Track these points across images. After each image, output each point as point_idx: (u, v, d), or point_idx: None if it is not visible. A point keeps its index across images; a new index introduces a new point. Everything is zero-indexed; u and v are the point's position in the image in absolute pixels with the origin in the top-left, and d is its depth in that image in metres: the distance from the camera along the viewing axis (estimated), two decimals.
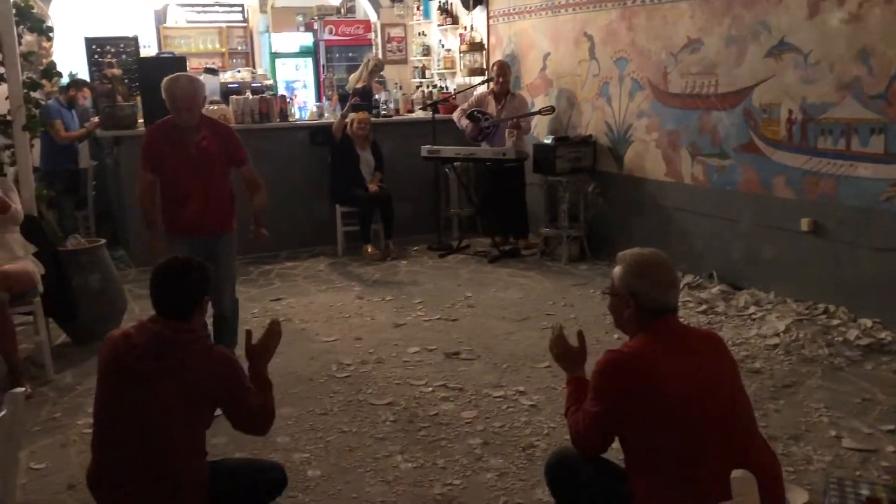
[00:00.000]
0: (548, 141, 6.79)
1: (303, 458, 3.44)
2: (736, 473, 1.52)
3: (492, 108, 7.16)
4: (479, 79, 8.08)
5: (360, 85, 8.01)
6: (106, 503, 2.45)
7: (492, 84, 7.27)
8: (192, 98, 3.96)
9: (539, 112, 7.02)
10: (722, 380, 2.16)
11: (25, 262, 4.36)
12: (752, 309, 5.15)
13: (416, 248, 7.27)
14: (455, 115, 7.37)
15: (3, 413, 2.03)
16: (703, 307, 5.25)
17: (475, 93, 7.50)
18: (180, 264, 2.54)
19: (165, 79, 4.01)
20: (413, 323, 5.25)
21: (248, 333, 2.78)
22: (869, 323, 4.68)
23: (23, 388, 2.10)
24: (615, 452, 2.31)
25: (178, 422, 2.39)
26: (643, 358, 2.14)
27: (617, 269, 2.30)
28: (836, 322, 4.78)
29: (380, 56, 9.40)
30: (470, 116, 7.17)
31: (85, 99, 7.49)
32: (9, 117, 4.81)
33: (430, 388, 4.15)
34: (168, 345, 2.42)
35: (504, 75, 7.12)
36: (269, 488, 2.69)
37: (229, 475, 2.59)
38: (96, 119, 7.20)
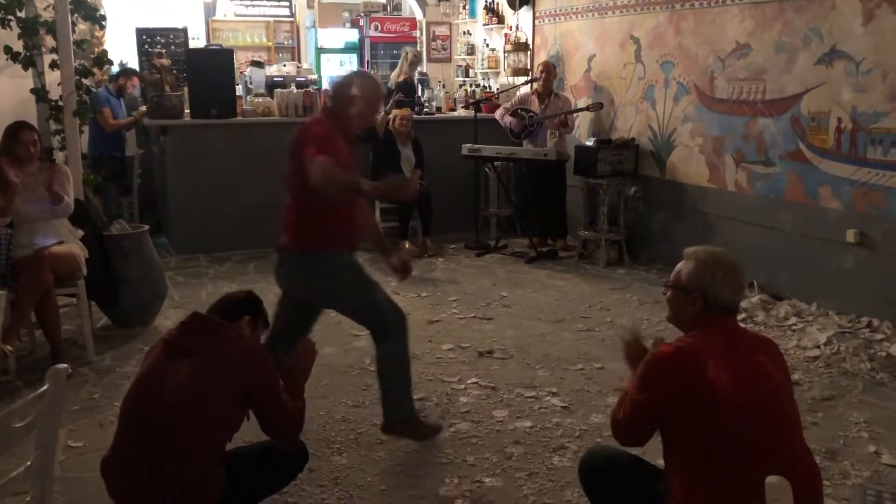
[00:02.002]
0: (589, 143, 6.74)
1: (333, 449, 3.46)
2: (771, 479, 1.49)
3: (535, 107, 7.13)
4: (522, 79, 8.05)
5: (401, 78, 8.05)
6: (115, 485, 2.40)
7: (535, 84, 7.24)
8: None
9: (587, 108, 6.96)
10: (772, 385, 2.13)
11: (71, 245, 4.45)
12: (793, 320, 5.06)
13: (453, 246, 7.27)
14: (497, 114, 7.36)
15: (44, 387, 2.08)
16: (742, 316, 5.17)
17: (518, 92, 7.48)
18: (247, 293, 2.72)
19: (359, 75, 3.63)
20: (448, 320, 5.25)
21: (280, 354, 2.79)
22: None
23: (65, 365, 2.14)
24: (649, 450, 2.29)
25: (207, 405, 2.34)
26: (696, 353, 2.12)
27: (687, 265, 2.26)
28: (879, 336, 4.67)
29: (421, 52, 9.43)
30: (514, 114, 7.16)
31: (133, 88, 7.63)
32: (60, 103, 4.92)
33: (463, 386, 4.15)
34: (210, 328, 2.46)
35: (548, 74, 7.09)
36: (289, 464, 2.70)
37: (248, 458, 2.58)
38: (144, 108, 7.33)
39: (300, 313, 3.56)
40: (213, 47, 9.35)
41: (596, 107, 6.91)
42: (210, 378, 2.36)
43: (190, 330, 2.47)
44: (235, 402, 2.41)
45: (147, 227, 5.29)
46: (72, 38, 4.95)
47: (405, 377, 3.42)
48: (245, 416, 2.50)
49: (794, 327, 4.96)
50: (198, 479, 2.32)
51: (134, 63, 8.66)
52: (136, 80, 7.64)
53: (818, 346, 4.60)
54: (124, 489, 2.37)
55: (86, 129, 5.69)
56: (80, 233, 4.60)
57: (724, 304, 2.21)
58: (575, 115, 7.13)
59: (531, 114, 7.08)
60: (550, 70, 7.14)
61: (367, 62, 11.43)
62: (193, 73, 6.96)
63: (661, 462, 2.27)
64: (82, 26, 6.10)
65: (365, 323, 3.51)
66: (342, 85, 3.41)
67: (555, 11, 7.81)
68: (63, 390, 2.14)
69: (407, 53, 8.24)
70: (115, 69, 7.51)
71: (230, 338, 2.45)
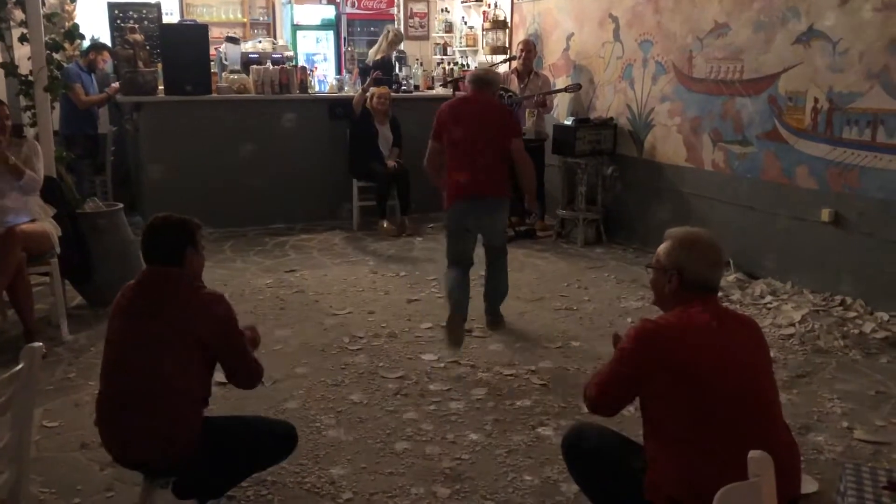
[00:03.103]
0: (568, 122, 6.73)
1: (312, 428, 3.46)
2: (754, 454, 1.50)
3: (514, 86, 7.10)
4: (500, 57, 8.01)
5: (378, 56, 7.97)
6: (107, 439, 2.56)
7: (515, 62, 7.20)
8: None
9: (566, 89, 6.94)
10: (752, 362, 2.16)
11: (44, 223, 4.38)
12: (768, 298, 5.11)
13: (431, 225, 7.25)
14: None
15: (19, 367, 2.04)
16: (719, 295, 5.19)
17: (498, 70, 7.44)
18: (159, 220, 2.70)
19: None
20: (427, 299, 5.25)
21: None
22: (885, 316, 4.64)
23: (39, 344, 2.10)
24: (628, 426, 2.31)
25: (170, 360, 2.47)
26: (677, 330, 2.14)
27: (664, 245, 2.29)
28: (852, 314, 4.74)
29: (400, 30, 9.34)
30: None
31: (105, 63, 7.48)
32: (30, 78, 4.81)
33: (442, 364, 4.16)
34: (161, 283, 2.58)
35: (528, 53, 7.06)
36: (276, 445, 2.74)
37: (237, 427, 2.68)
38: (117, 84, 7.20)
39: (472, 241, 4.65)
40: (188, 23, 9.18)
41: (574, 88, 6.90)
42: (175, 335, 2.49)
43: (146, 291, 2.58)
44: (195, 349, 2.52)
45: (121, 205, 5.22)
46: (42, 12, 4.84)
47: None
48: (211, 365, 2.61)
49: (769, 306, 5.01)
50: (175, 418, 2.47)
51: (106, 38, 8.49)
52: (106, 55, 7.49)
53: (793, 325, 4.65)
54: (111, 440, 2.54)
55: (57, 105, 5.57)
56: (53, 210, 4.52)
57: (701, 280, 2.22)
58: (553, 95, 7.10)
59: (510, 93, 7.05)
60: (531, 48, 7.11)
61: (344, 39, 11.31)
62: (167, 49, 6.84)
63: (641, 438, 2.29)
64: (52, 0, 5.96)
65: (502, 240, 4.74)
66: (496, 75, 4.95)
67: None
68: (38, 370, 2.11)
69: (388, 32, 8.16)
70: (85, 44, 7.37)
71: (185, 294, 2.56)
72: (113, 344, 2.57)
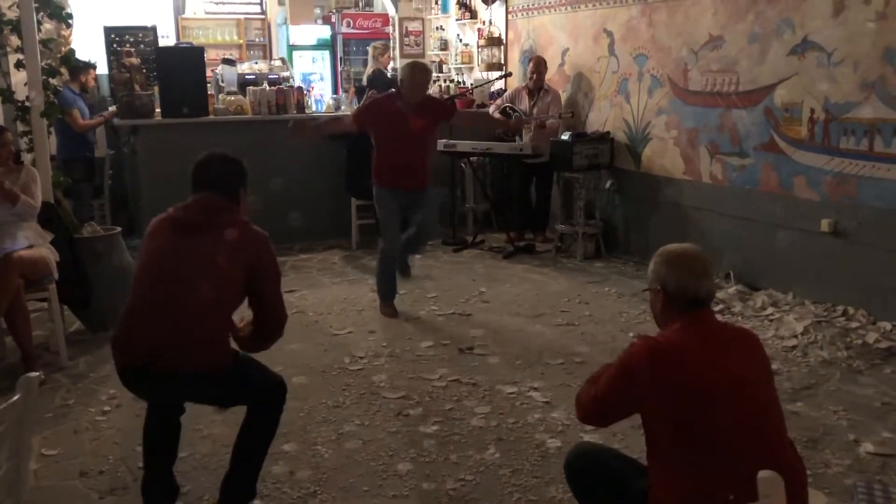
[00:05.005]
0: (565, 137, 6.74)
1: (315, 451, 3.43)
2: (763, 474, 1.48)
3: (525, 102, 7.14)
4: (496, 74, 8.04)
5: (370, 70, 8.12)
6: (134, 346, 2.61)
7: (528, 80, 7.23)
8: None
9: (559, 116, 7.02)
10: (753, 378, 2.12)
11: (41, 248, 4.36)
12: (770, 310, 5.10)
13: (430, 242, 7.23)
14: (490, 110, 7.40)
15: (16, 397, 2.02)
16: (720, 307, 5.19)
17: (510, 89, 7.55)
18: (217, 154, 2.81)
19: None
20: (426, 317, 5.22)
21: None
22: (888, 326, 4.62)
23: (37, 373, 2.08)
24: (632, 443, 2.28)
25: (208, 282, 2.55)
26: (675, 348, 2.11)
27: (651, 264, 2.27)
28: (855, 325, 4.72)
29: (393, 47, 9.47)
30: (503, 112, 7.18)
31: (94, 80, 7.50)
32: (27, 104, 4.81)
33: (444, 383, 4.13)
34: (216, 208, 2.65)
35: (539, 71, 7.09)
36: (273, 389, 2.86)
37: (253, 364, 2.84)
38: (113, 108, 7.21)
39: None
40: (184, 45, 9.22)
41: (566, 115, 6.99)
42: (222, 257, 2.58)
43: (199, 210, 2.66)
44: (240, 282, 2.63)
45: (119, 228, 5.20)
46: (38, 37, 4.84)
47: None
48: (244, 298, 2.71)
49: (771, 317, 4.99)
50: (207, 344, 2.59)
51: (102, 62, 8.52)
52: (92, 72, 7.50)
53: (795, 336, 4.63)
54: (140, 345, 2.60)
55: (53, 130, 5.57)
56: (51, 236, 4.51)
57: (688, 294, 2.16)
58: (553, 118, 7.11)
59: (517, 113, 7.10)
60: (541, 67, 7.13)
61: (340, 58, 11.36)
62: (164, 72, 6.85)
63: (644, 456, 2.26)
64: (48, 25, 5.96)
65: (432, 221, 5.25)
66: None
67: (528, 6, 7.80)
68: (35, 399, 2.08)
69: (372, 48, 8.48)
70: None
71: (237, 223, 2.67)
72: (154, 253, 2.65)
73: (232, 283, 2.62)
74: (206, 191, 2.70)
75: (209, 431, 3.55)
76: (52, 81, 5.05)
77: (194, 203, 2.70)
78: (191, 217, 2.66)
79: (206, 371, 2.60)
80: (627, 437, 3.37)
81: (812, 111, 5.04)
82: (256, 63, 9.73)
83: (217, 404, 3.00)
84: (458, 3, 8.95)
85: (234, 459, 2.84)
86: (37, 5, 4.81)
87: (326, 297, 5.67)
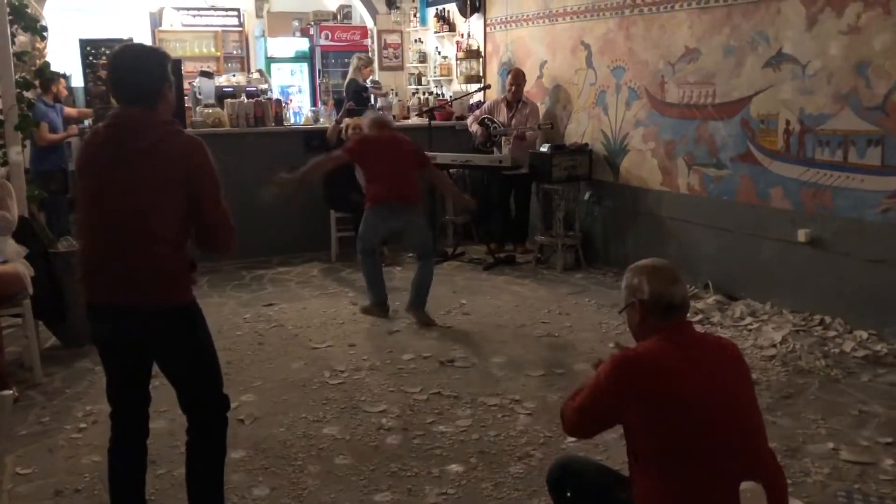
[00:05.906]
0: (544, 149, 6.76)
1: (295, 466, 3.39)
2: (746, 485, 1.48)
3: (503, 115, 7.17)
4: (475, 86, 8.06)
5: (349, 79, 8.21)
6: (95, 289, 2.55)
7: (506, 92, 7.25)
8: None
9: (538, 127, 7.06)
10: (733, 388, 2.12)
11: (16, 263, 4.29)
12: (748, 320, 5.13)
13: (410, 255, 7.20)
14: (468, 121, 7.44)
15: None
16: (699, 317, 5.22)
17: (488, 101, 7.58)
18: (130, 52, 2.64)
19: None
20: (407, 330, 5.20)
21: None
22: (865, 335, 4.67)
23: (10, 391, 2.04)
24: (614, 455, 2.28)
25: (153, 202, 2.46)
26: (654, 359, 2.11)
27: (623, 282, 2.28)
28: (832, 333, 4.76)
29: (371, 57, 9.47)
30: (481, 123, 7.21)
31: (65, 89, 7.44)
32: (1, 117, 4.76)
33: (425, 396, 4.11)
34: (142, 124, 2.50)
35: (517, 83, 7.12)
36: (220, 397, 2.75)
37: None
38: (75, 128, 7.16)
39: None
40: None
41: (545, 126, 7.05)
42: (157, 179, 2.46)
43: (121, 135, 2.50)
44: (178, 192, 2.49)
45: None
46: (12, 50, 4.79)
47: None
48: (187, 207, 2.55)
49: (749, 327, 5.03)
50: (160, 275, 2.52)
51: (78, 75, 8.45)
52: (62, 82, 7.42)
53: (774, 345, 4.66)
54: (100, 288, 2.54)
55: (28, 143, 5.51)
56: (25, 251, 4.45)
57: (663, 300, 2.17)
58: (533, 130, 7.14)
59: (495, 125, 7.13)
60: (520, 80, 7.17)
61: (319, 71, 11.34)
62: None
63: (626, 468, 2.26)
64: (23, 38, 5.91)
65: (428, 243, 5.52)
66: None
67: (506, 18, 7.84)
68: (8, 417, 2.05)
69: (354, 59, 8.48)
70: None
71: (163, 130, 2.51)
72: (88, 192, 2.54)
73: (172, 199, 2.50)
74: (126, 106, 2.54)
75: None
76: (27, 94, 4.99)
77: (113, 127, 2.54)
78: (112, 149, 2.50)
79: (162, 306, 2.55)
80: (610, 449, 3.36)
81: (787, 123, 5.10)
82: (234, 76, 9.69)
83: (172, 359, 2.69)
84: (436, 15, 8.99)
85: (192, 499, 2.72)
86: (11, 18, 4.77)
87: (306, 311, 5.64)
